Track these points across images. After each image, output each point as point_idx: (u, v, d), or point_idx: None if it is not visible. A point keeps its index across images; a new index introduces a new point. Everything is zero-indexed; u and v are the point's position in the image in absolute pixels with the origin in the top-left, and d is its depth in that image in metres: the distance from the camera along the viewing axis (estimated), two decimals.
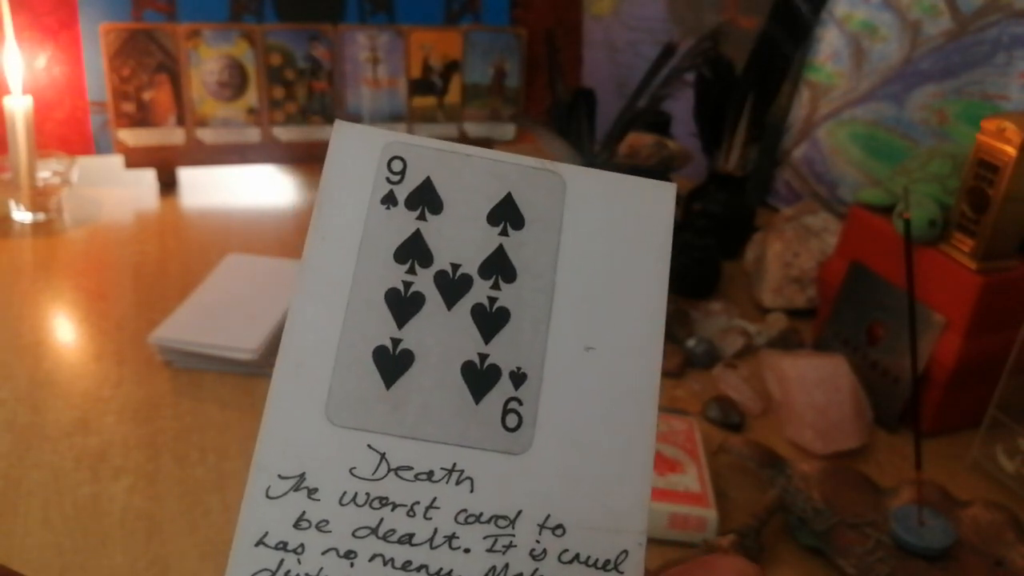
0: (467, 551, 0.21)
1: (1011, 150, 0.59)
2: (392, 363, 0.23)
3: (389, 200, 0.24)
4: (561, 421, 0.22)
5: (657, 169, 1.01)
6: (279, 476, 0.21)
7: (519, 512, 0.22)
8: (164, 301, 0.79)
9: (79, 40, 1.09)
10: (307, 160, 1.11)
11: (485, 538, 0.22)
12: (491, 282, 0.23)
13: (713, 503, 0.56)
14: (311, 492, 0.21)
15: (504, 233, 0.24)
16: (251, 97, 1.05)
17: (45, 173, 0.95)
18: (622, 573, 0.22)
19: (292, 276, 0.81)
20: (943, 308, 0.65)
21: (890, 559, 0.53)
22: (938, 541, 0.53)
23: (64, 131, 1.14)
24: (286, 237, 0.98)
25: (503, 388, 0.23)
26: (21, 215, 0.95)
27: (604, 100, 0.85)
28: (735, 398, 0.71)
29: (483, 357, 0.23)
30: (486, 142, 1.17)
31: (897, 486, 0.59)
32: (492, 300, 0.23)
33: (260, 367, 0.70)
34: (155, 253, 0.91)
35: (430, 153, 0.24)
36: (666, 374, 0.74)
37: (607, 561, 0.22)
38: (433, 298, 0.23)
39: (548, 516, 0.22)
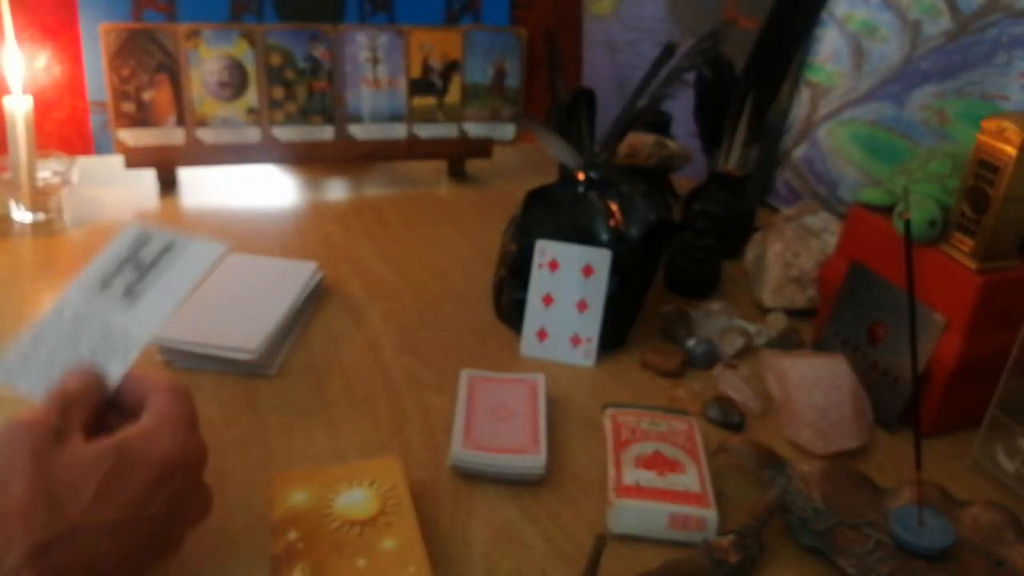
0: None
1: (1011, 150, 0.59)
2: None
3: None
4: None
5: (657, 169, 1.01)
6: None
7: None
8: None
9: (79, 40, 1.10)
10: (307, 160, 1.11)
11: None
12: None
13: (713, 503, 0.56)
14: None
15: None
16: (251, 97, 1.05)
17: (45, 173, 0.95)
18: None
19: (292, 276, 0.81)
20: (943, 308, 0.65)
21: (890, 559, 0.53)
22: (938, 541, 0.53)
23: (64, 131, 1.14)
24: (286, 237, 0.98)
25: None
26: (21, 215, 0.95)
27: (604, 100, 0.85)
28: (735, 398, 0.71)
29: None
30: (486, 142, 1.17)
31: (897, 486, 0.59)
32: None
33: (260, 367, 0.70)
34: None
35: None
36: (666, 374, 0.75)
37: None
38: None
39: None
